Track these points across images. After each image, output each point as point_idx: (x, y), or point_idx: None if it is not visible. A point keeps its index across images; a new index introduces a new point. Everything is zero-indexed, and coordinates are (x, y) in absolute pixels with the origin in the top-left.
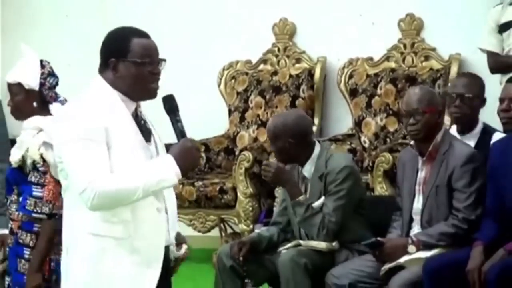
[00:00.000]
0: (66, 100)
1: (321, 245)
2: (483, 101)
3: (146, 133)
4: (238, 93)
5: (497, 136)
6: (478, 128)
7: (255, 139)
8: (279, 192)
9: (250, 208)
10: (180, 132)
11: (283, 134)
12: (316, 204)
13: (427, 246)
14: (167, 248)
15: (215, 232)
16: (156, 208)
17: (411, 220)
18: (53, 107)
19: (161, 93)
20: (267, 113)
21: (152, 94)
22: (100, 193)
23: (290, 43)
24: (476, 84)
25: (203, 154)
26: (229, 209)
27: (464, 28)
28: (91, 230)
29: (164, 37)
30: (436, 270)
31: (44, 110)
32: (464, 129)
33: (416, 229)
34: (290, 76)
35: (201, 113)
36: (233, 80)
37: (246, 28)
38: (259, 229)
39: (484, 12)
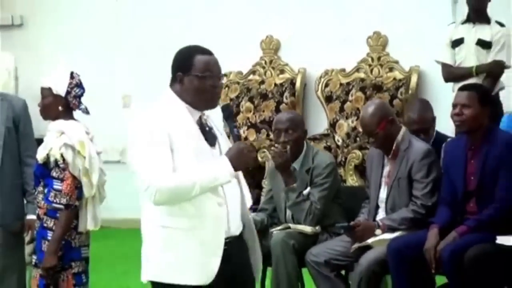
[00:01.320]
0: (87, 109)
1: (307, 229)
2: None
3: (210, 138)
4: (231, 99)
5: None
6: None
7: (246, 138)
8: (265, 183)
9: None
10: (236, 136)
11: (301, 125)
12: (303, 193)
13: (391, 229)
14: (229, 241)
15: None
16: (217, 203)
17: (377, 207)
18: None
19: None
20: (255, 116)
21: (213, 105)
22: (161, 189)
23: (275, 56)
24: (429, 108)
25: None
26: None
27: (422, 44)
28: (160, 222)
29: (166, 51)
30: (398, 249)
31: (67, 115)
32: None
33: (381, 214)
34: (275, 85)
35: None
36: (226, 88)
37: (237, 44)
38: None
39: (439, 31)
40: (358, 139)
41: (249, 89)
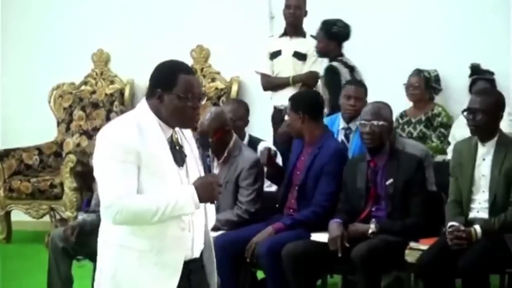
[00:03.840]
0: None
1: None
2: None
3: (179, 158)
4: (64, 108)
5: (261, 144)
6: (246, 139)
7: (78, 145)
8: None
9: (74, 199)
10: (207, 167)
11: None
12: None
13: (215, 229)
14: (191, 262)
15: (47, 218)
16: (180, 227)
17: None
18: None
19: None
20: (87, 124)
21: (190, 125)
22: (122, 210)
23: (105, 68)
24: (241, 108)
25: (37, 157)
26: (58, 199)
27: (242, 56)
28: (119, 241)
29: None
30: (223, 246)
31: None
32: None
33: None
34: (106, 94)
35: (36, 123)
36: (60, 98)
37: (70, 57)
38: (82, 216)
39: (258, 44)
40: None
41: (82, 99)
